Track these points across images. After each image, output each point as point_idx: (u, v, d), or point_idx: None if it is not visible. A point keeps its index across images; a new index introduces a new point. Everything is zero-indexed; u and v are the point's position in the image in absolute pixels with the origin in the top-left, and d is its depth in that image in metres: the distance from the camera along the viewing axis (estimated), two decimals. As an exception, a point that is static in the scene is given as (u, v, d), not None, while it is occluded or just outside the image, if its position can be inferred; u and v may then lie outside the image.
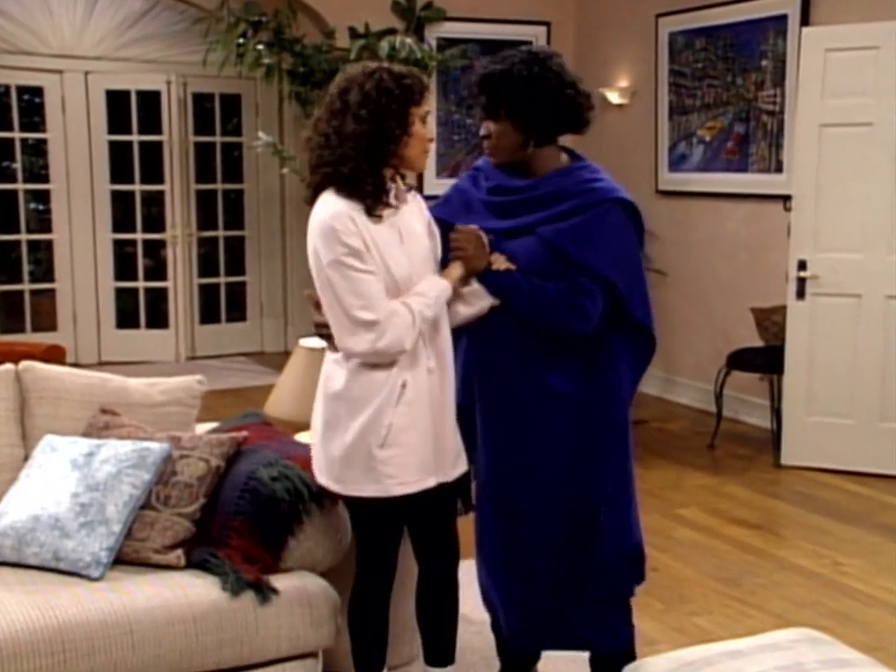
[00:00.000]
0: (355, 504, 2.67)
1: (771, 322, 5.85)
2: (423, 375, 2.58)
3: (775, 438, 5.70)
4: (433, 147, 2.81)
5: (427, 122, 2.56)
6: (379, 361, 2.51)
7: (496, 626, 2.95)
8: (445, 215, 2.73)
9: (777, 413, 5.74)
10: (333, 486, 2.63)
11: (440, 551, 2.79)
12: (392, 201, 2.54)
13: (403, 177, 2.64)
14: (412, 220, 2.62)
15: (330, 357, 2.63)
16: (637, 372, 2.75)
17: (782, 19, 6.10)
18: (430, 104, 2.58)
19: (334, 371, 2.60)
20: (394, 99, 2.47)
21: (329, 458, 2.62)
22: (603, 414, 2.66)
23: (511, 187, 2.67)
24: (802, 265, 5.44)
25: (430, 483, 2.61)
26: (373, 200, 2.49)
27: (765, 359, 5.78)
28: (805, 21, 5.87)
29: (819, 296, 5.43)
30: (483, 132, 2.69)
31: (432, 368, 2.60)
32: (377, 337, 2.46)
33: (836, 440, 5.44)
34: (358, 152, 2.47)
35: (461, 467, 2.72)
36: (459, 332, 2.75)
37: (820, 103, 5.34)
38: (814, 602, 3.87)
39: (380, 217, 2.50)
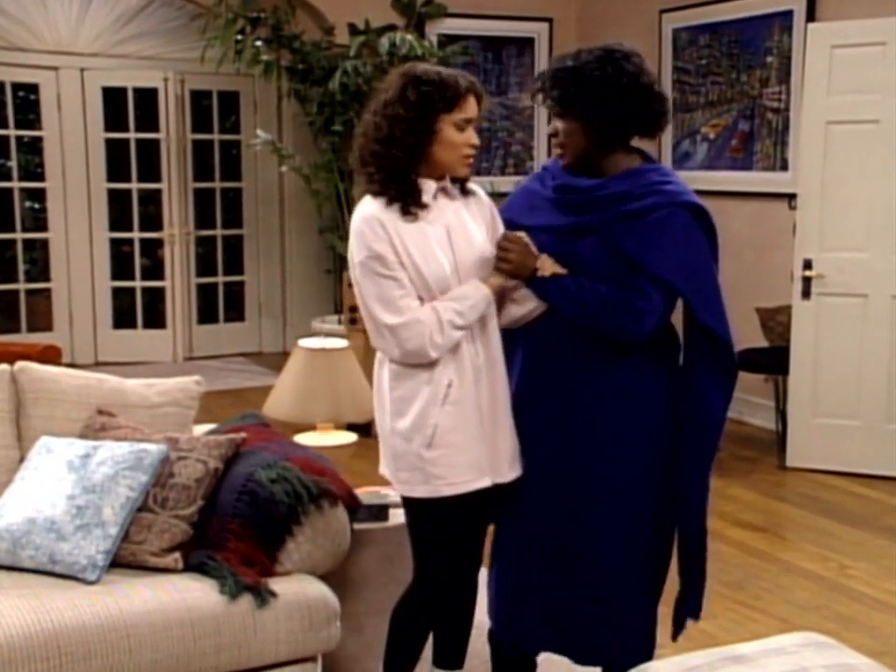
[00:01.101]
0: (410, 504, 2.66)
1: (776, 322, 5.85)
2: (470, 373, 2.55)
3: (780, 439, 5.70)
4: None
5: (466, 129, 2.50)
6: (410, 362, 2.51)
7: (493, 637, 2.93)
8: (510, 215, 2.71)
9: (782, 414, 5.74)
10: (395, 485, 2.65)
11: (471, 555, 2.77)
12: (429, 200, 2.52)
13: (464, 180, 2.62)
14: (465, 218, 2.60)
15: (377, 356, 2.64)
16: (725, 394, 2.66)
17: (787, 15, 6.10)
18: (472, 110, 2.50)
19: (380, 372, 2.62)
20: (411, 108, 2.45)
21: (386, 457, 2.64)
22: (692, 439, 2.64)
23: (577, 186, 2.63)
24: (807, 264, 5.44)
25: (484, 482, 2.58)
26: (403, 203, 2.49)
27: (770, 360, 5.77)
28: (810, 17, 5.88)
29: (824, 296, 5.43)
30: (550, 130, 2.66)
31: (480, 365, 2.58)
32: (399, 342, 2.47)
33: (842, 441, 5.43)
34: (376, 158, 2.49)
35: (518, 469, 2.67)
36: (514, 345, 2.72)
37: (826, 100, 5.34)
38: (819, 606, 3.87)
39: (415, 215, 2.49)
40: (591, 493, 2.65)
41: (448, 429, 2.52)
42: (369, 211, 2.49)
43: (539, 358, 2.68)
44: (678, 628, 2.87)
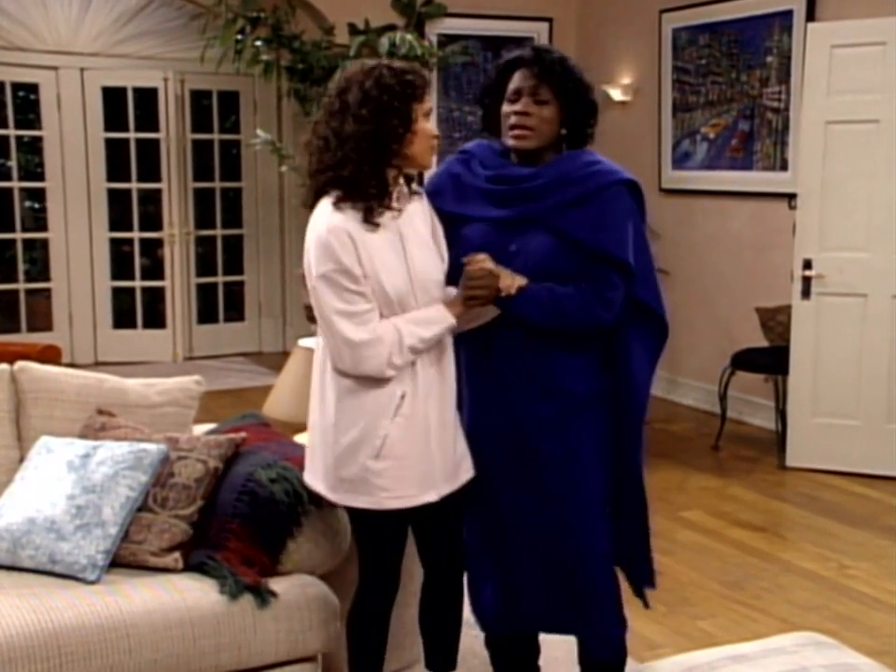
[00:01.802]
0: (350, 513, 2.65)
1: (776, 322, 5.85)
2: (422, 386, 2.52)
3: (780, 439, 5.70)
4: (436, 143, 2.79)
5: (430, 118, 2.53)
6: (362, 377, 2.47)
7: (489, 641, 2.92)
8: (440, 204, 2.66)
9: (781, 414, 5.74)
10: (328, 494, 2.60)
11: (445, 556, 2.77)
12: (395, 203, 2.50)
13: (410, 179, 2.60)
14: (416, 223, 2.57)
15: (319, 359, 2.59)
16: (652, 364, 2.70)
17: (787, 14, 6.10)
18: (432, 99, 2.57)
19: (323, 377, 2.56)
20: (395, 96, 2.43)
21: (324, 465, 2.59)
22: (623, 413, 2.65)
23: (514, 176, 2.61)
24: (807, 264, 5.44)
25: (429, 497, 2.56)
26: (376, 203, 2.45)
27: (770, 360, 5.78)
28: (810, 16, 5.87)
29: (824, 295, 5.43)
30: (520, 108, 2.57)
31: (432, 377, 2.55)
32: (358, 359, 2.43)
33: (842, 441, 5.43)
34: (360, 154, 2.42)
35: (467, 472, 2.66)
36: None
37: (826, 99, 5.34)
38: (819, 606, 3.87)
39: (377, 224, 2.45)
40: (540, 479, 2.64)
41: (397, 441, 2.49)
42: (334, 222, 2.42)
43: (474, 357, 2.68)
44: (642, 598, 2.85)
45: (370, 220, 2.44)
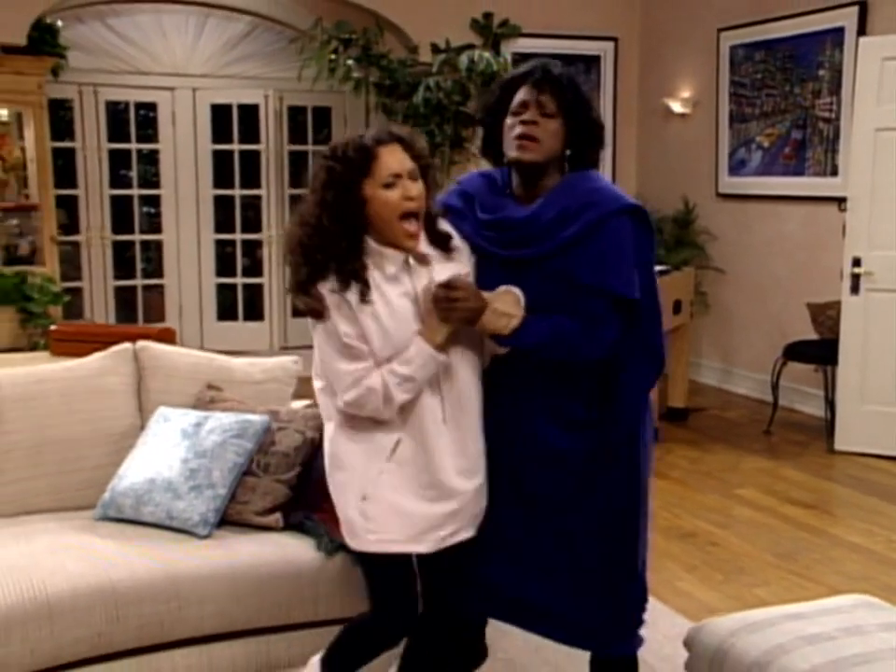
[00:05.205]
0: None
1: (826, 316, 5.72)
2: (428, 430, 2.20)
3: (828, 426, 5.57)
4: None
5: (397, 184, 2.15)
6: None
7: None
8: (458, 223, 2.33)
9: (830, 402, 5.61)
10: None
11: (435, 606, 2.41)
12: (393, 273, 2.17)
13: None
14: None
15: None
16: (645, 395, 2.35)
17: (839, 31, 5.95)
18: (395, 162, 2.16)
19: (330, 408, 2.29)
20: (328, 187, 2.14)
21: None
22: (623, 434, 2.31)
23: (513, 221, 2.27)
24: (856, 262, 5.31)
25: (420, 548, 2.24)
26: (342, 285, 2.13)
27: (820, 351, 5.65)
28: (861, 31, 5.72)
29: (872, 291, 5.29)
30: (528, 117, 2.25)
31: (443, 420, 2.21)
32: (356, 409, 2.19)
33: (888, 427, 5.29)
34: (311, 237, 2.15)
35: (472, 530, 2.30)
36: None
37: (876, 108, 5.20)
38: (867, 577, 3.77)
39: (370, 301, 2.13)
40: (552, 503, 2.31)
41: (386, 486, 2.20)
42: (329, 286, 2.15)
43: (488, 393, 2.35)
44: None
45: (363, 299, 2.14)
